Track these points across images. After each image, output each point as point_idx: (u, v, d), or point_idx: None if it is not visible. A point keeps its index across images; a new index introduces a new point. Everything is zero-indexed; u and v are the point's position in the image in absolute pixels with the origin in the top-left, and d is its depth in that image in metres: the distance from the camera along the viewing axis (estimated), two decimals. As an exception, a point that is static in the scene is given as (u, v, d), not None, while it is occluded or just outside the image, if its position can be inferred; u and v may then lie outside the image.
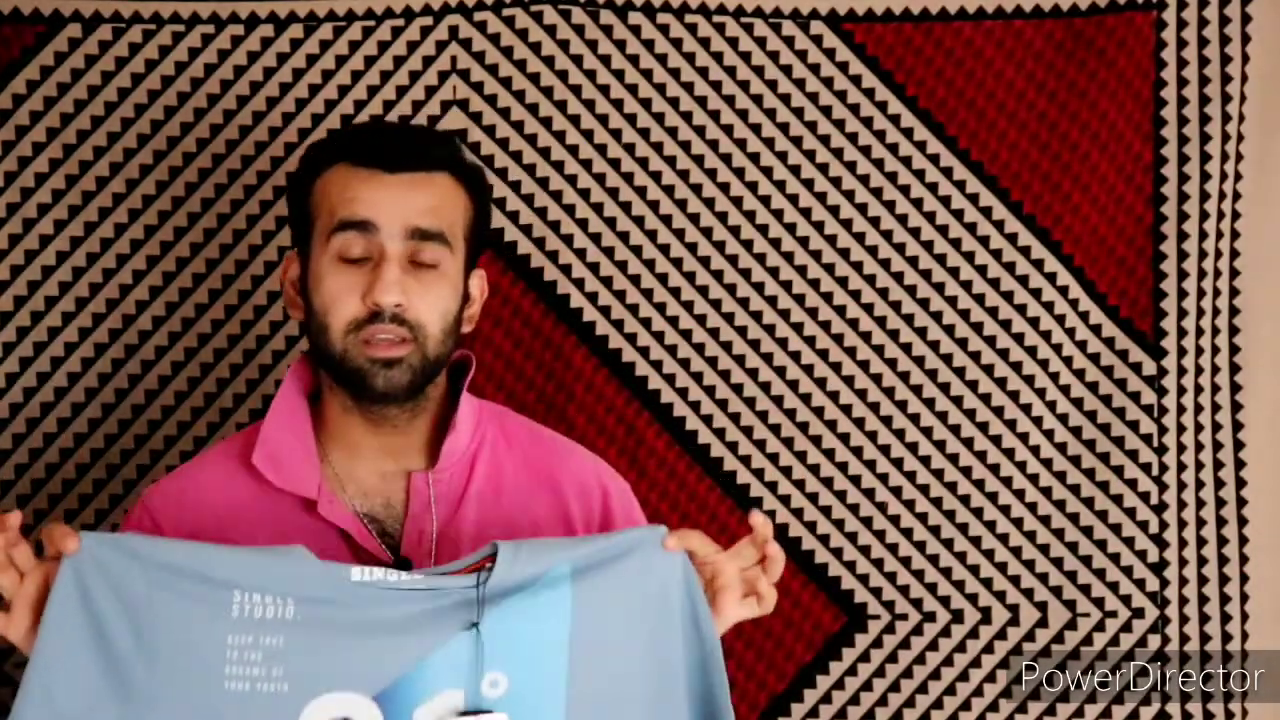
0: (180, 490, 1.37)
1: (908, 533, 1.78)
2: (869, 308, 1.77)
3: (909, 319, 1.77)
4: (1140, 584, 1.79)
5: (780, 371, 1.77)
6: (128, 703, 1.14)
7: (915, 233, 1.78)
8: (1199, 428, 1.79)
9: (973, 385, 1.78)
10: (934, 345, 1.78)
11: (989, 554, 1.79)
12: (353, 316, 1.29)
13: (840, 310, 1.77)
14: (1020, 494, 1.79)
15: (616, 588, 1.20)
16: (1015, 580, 1.79)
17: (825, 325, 1.77)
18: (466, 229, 1.35)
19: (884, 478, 1.78)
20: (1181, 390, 1.79)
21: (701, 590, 1.22)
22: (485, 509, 1.36)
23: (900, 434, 1.78)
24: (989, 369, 1.78)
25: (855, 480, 1.77)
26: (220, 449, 1.41)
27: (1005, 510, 1.78)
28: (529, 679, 1.17)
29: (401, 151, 1.33)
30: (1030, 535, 1.79)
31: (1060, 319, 1.78)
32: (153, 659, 1.14)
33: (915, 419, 1.78)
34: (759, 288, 1.77)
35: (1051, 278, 1.78)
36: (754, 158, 1.77)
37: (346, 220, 1.29)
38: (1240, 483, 1.80)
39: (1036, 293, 1.78)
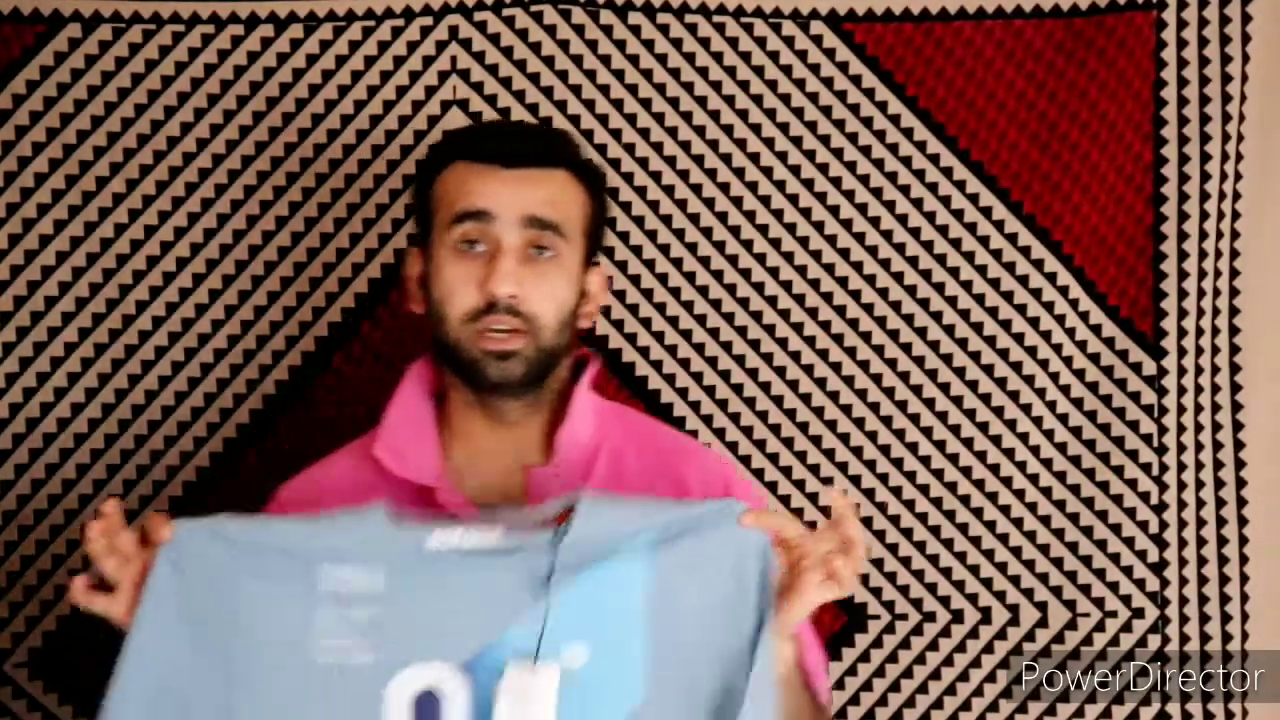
0: (307, 484, 1.42)
1: (908, 533, 1.78)
2: (869, 308, 1.77)
3: (909, 319, 1.77)
4: (1140, 584, 1.79)
5: (780, 371, 1.77)
6: (222, 679, 1.16)
7: (915, 233, 1.78)
8: (1199, 428, 1.79)
9: (973, 385, 1.78)
10: (934, 345, 1.78)
11: (989, 554, 1.79)
12: (470, 307, 1.33)
13: (840, 310, 1.77)
14: (1020, 494, 1.79)
15: (695, 559, 1.19)
16: (1015, 580, 1.79)
17: (825, 325, 1.77)
18: (584, 225, 1.38)
19: (884, 478, 1.78)
20: (1181, 390, 1.79)
21: (776, 570, 1.20)
22: None
23: (900, 434, 1.78)
24: (989, 369, 1.78)
25: (855, 480, 1.77)
26: (346, 449, 1.45)
27: (1005, 510, 1.78)
28: (609, 648, 1.17)
29: (520, 148, 1.37)
30: (1030, 535, 1.79)
31: (1060, 319, 1.78)
32: (245, 636, 1.17)
33: (915, 419, 1.78)
34: (759, 288, 1.77)
35: (1051, 278, 1.78)
36: (754, 158, 1.77)
37: (464, 211, 1.33)
38: (1240, 483, 1.80)
39: (1036, 293, 1.78)
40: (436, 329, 1.36)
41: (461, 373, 1.36)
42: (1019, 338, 1.78)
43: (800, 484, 1.77)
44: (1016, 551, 1.79)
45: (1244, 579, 1.79)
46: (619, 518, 1.19)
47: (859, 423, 1.77)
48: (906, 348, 1.77)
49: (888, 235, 1.77)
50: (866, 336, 1.77)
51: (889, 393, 1.77)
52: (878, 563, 1.78)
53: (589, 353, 1.45)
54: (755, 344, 1.77)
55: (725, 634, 1.19)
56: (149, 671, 1.16)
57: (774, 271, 1.77)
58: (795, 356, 1.77)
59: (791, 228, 1.77)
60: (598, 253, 1.45)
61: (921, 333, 1.78)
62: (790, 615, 1.20)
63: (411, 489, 1.36)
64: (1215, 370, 1.79)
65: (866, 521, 1.77)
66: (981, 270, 1.78)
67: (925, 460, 1.78)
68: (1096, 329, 1.79)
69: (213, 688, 1.17)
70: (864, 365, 1.77)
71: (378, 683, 1.16)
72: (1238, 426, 1.80)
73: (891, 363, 1.78)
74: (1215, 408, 1.79)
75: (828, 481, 1.77)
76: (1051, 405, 1.79)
